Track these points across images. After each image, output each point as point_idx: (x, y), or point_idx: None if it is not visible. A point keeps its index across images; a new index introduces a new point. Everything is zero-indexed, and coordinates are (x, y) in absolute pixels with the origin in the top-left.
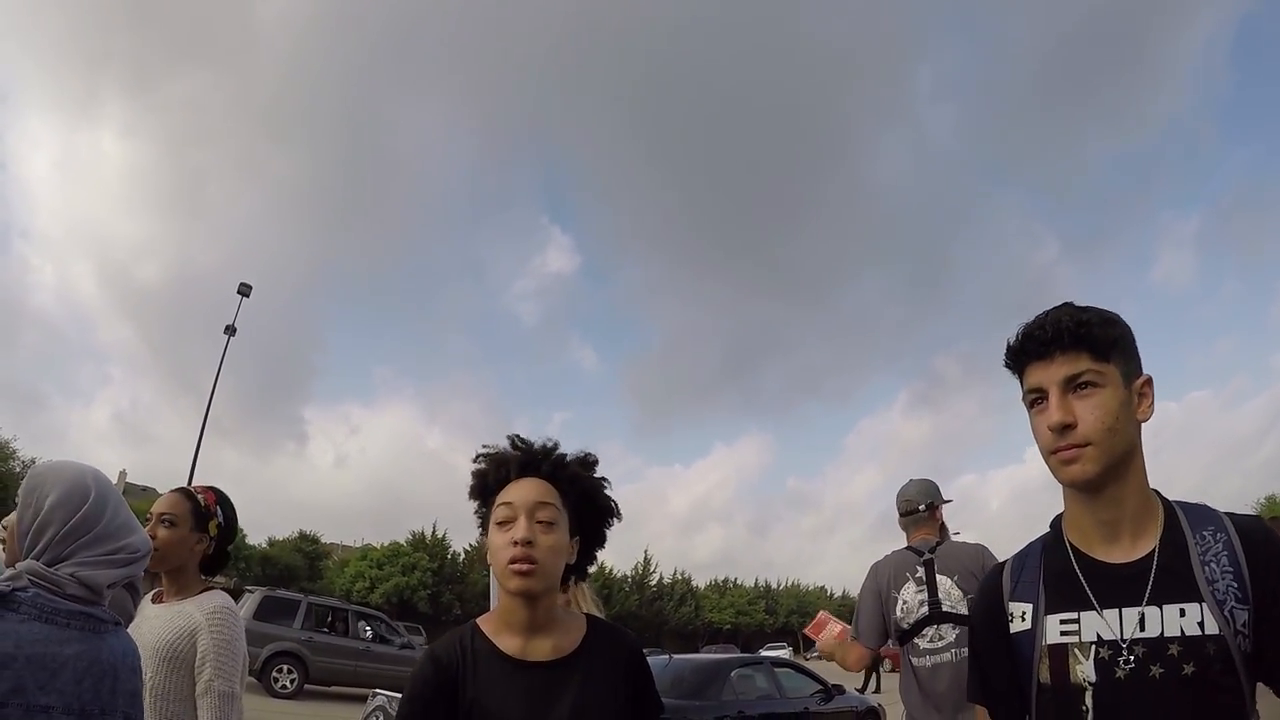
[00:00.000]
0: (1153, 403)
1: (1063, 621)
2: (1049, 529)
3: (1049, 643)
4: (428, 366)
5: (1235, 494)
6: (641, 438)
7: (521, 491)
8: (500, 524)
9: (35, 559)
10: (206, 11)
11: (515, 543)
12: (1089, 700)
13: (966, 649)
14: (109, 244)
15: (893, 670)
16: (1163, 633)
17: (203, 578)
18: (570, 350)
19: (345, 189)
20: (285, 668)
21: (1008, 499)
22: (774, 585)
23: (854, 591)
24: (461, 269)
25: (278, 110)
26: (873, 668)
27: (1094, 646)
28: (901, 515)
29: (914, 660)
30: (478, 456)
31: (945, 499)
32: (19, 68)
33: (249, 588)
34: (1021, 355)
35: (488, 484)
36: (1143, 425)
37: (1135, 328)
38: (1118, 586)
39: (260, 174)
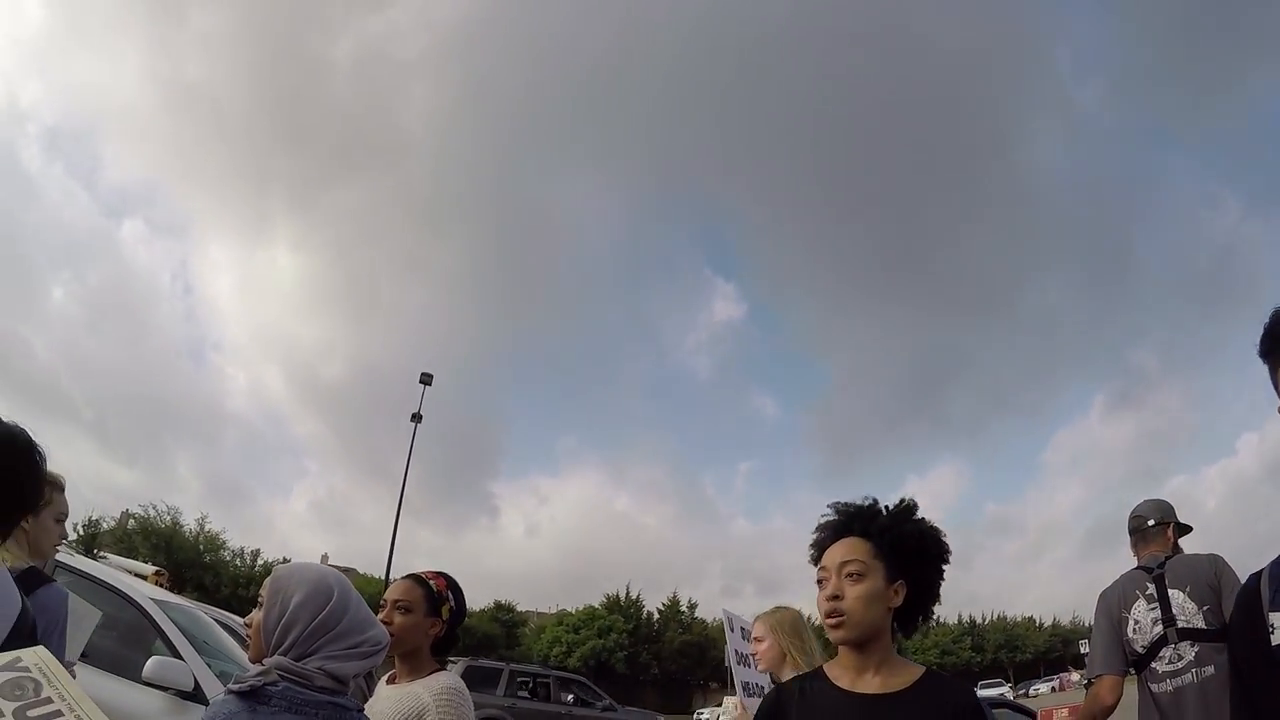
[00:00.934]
0: None
1: None
2: None
3: None
4: (610, 433)
5: None
6: (831, 479)
7: (832, 554)
8: (820, 584)
9: (283, 655)
10: (354, 122)
11: (826, 598)
12: None
13: (1210, 667)
14: (293, 347)
15: None
16: None
17: (434, 660)
18: (748, 398)
19: (508, 270)
20: None
21: (1224, 497)
22: (979, 620)
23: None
24: (632, 332)
25: (434, 204)
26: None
27: None
28: (1131, 533)
29: (1153, 687)
30: (816, 529)
31: (1183, 523)
32: (195, 201)
33: (451, 660)
34: None
35: (817, 548)
36: None
37: None
38: None
39: (425, 267)
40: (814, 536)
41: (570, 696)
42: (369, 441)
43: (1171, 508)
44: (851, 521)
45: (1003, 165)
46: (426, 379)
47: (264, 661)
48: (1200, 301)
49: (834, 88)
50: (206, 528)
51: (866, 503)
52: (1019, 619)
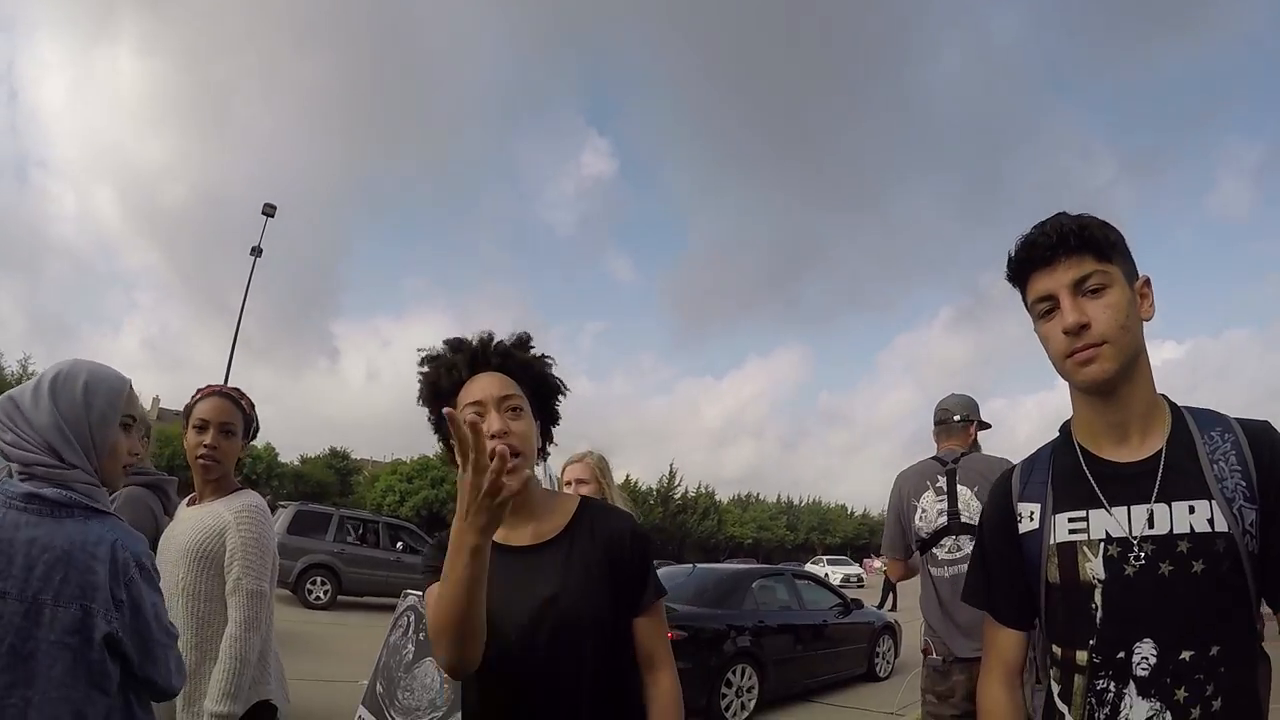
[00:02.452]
0: (1153, 302)
1: (1071, 520)
2: (1057, 433)
3: (1057, 541)
4: (460, 277)
5: None
6: (677, 349)
7: (483, 387)
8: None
9: None
10: None
11: (493, 435)
12: (1098, 598)
13: None
14: (129, 167)
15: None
16: (1172, 530)
17: (236, 480)
18: (606, 259)
19: (373, 93)
20: (319, 579)
21: (1037, 426)
22: (796, 502)
23: (875, 511)
24: (495, 174)
25: (303, 11)
26: (890, 585)
27: (1102, 544)
28: (935, 424)
29: (932, 571)
30: (423, 361)
31: (984, 420)
32: None
33: (282, 503)
34: (1026, 264)
35: (441, 389)
36: (1144, 325)
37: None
38: (1127, 484)
39: (284, 84)
40: (437, 373)
41: (400, 544)
42: (207, 274)
43: (976, 405)
44: (487, 355)
45: (902, 71)
46: (269, 210)
47: None
48: None
49: None
50: (30, 369)
51: (487, 335)
52: (833, 505)
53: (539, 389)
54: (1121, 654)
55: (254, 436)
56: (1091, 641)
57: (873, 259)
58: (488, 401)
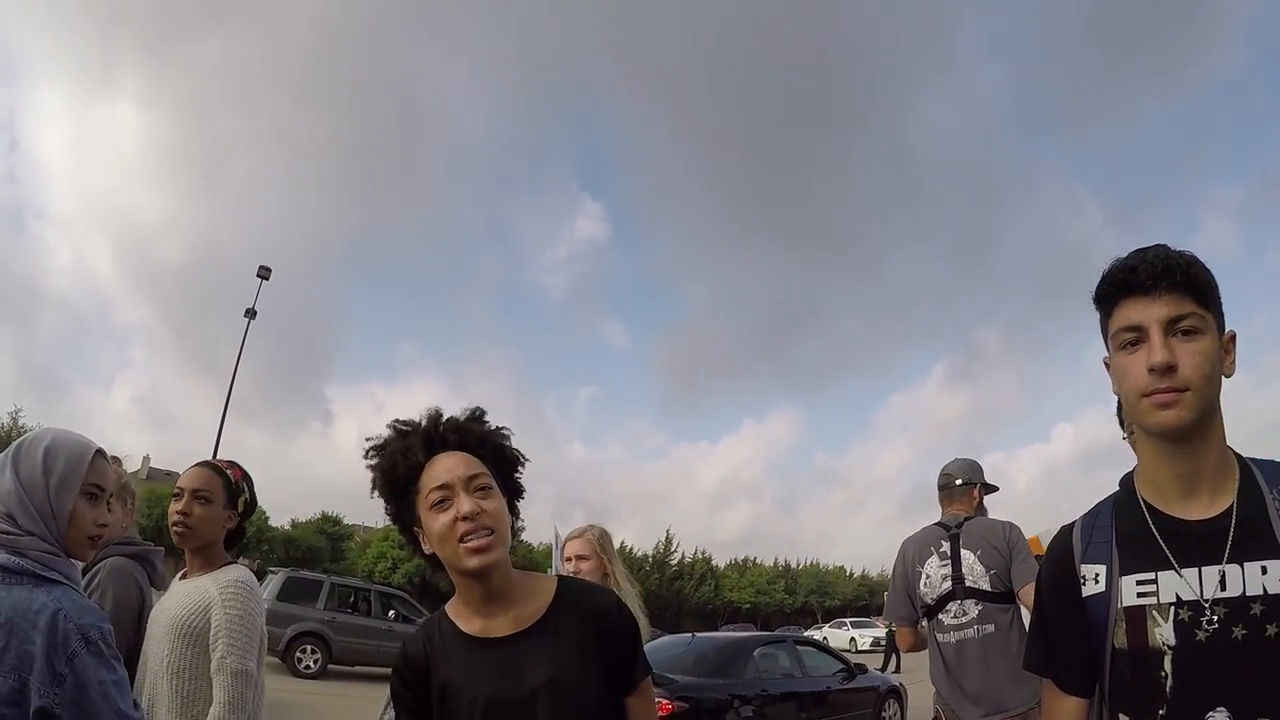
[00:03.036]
0: (1235, 360)
1: (1139, 582)
2: (1119, 487)
3: (1125, 605)
4: (452, 343)
5: None
6: (670, 414)
7: (448, 468)
8: (436, 506)
9: None
10: None
11: (463, 517)
12: (1168, 665)
13: (991, 626)
14: (127, 221)
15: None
16: (1244, 591)
17: (226, 553)
18: (599, 323)
19: (366, 154)
20: (309, 648)
21: (1035, 478)
22: (794, 564)
23: (874, 572)
24: (488, 239)
25: (298, 71)
26: (892, 647)
27: (1173, 608)
28: (939, 489)
29: (939, 637)
30: (370, 452)
31: (989, 483)
32: (32, 36)
33: (272, 569)
34: (1121, 288)
35: (398, 477)
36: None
37: None
38: (1197, 544)
39: (280, 142)
40: (393, 461)
41: (392, 613)
42: (202, 332)
43: (980, 469)
44: (444, 434)
45: (892, 127)
46: (264, 273)
47: None
48: (1046, 297)
49: (734, 20)
50: (20, 422)
51: (435, 411)
52: (831, 567)
53: (500, 463)
54: None
55: (247, 509)
56: (1161, 711)
57: (864, 318)
58: (455, 483)
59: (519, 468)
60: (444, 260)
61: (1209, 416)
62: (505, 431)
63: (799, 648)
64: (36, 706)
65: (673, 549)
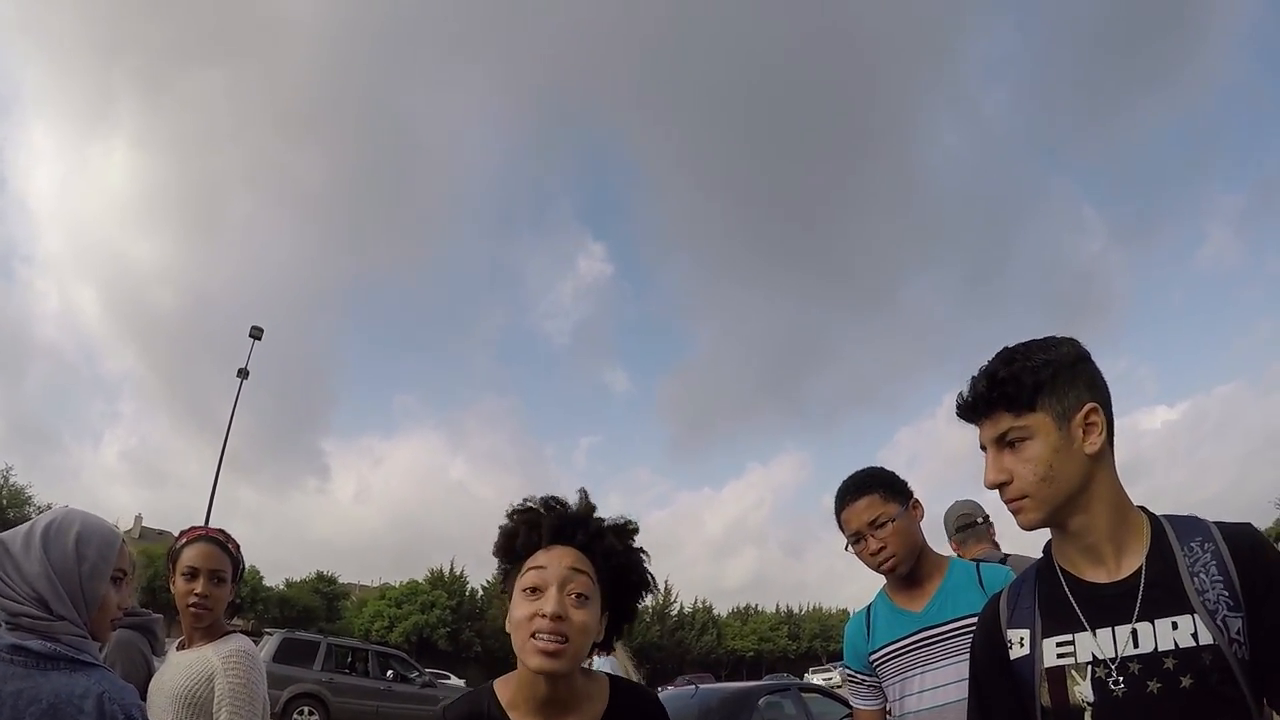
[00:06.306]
0: (1103, 430)
1: (1059, 644)
2: (1041, 554)
3: (1047, 666)
4: (452, 393)
5: (1271, 485)
6: (673, 461)
7: (555, 560)
8: (528, 591)
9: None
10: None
11: (544, 615)
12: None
13: None
14: (118, 267)
15: None
16: (1156, 647)
17: (226, 622)
18: (601, 371)
19: (365, 196)
20: (306, 709)
21: None
22: (796, 610)
23: None
24: (489, 283)
25: (298, 107)
26: None
27: (1090, 666)
28: (959, 529)
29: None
30: (511, 513)
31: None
32: (27, 68)
33: (268, 630)
34: (965, 416)
35: (515, 547)
36: (1106, 451)
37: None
38: (1107, 606)
39: (277, 183)
40: (515, 528)
41: (390, 672)
42: (192, 383)
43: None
44: (574, 528)
45: (901, 159)
46: (256, 333)
47: None
48: (1056, 322)
49: (743, 58)
50: (10, 481)
51: (586, 507)
52: (834, 610)
53: (618, 580)
54: None
55: (241, 577)
56: None
57: (872, 354)
58: (550, 579)
59: (641, 594)
60: (444, 307)
61: (1071, 504)
62: (637, 551)
63: (805, 695)
64: None
65: (672, 600)
